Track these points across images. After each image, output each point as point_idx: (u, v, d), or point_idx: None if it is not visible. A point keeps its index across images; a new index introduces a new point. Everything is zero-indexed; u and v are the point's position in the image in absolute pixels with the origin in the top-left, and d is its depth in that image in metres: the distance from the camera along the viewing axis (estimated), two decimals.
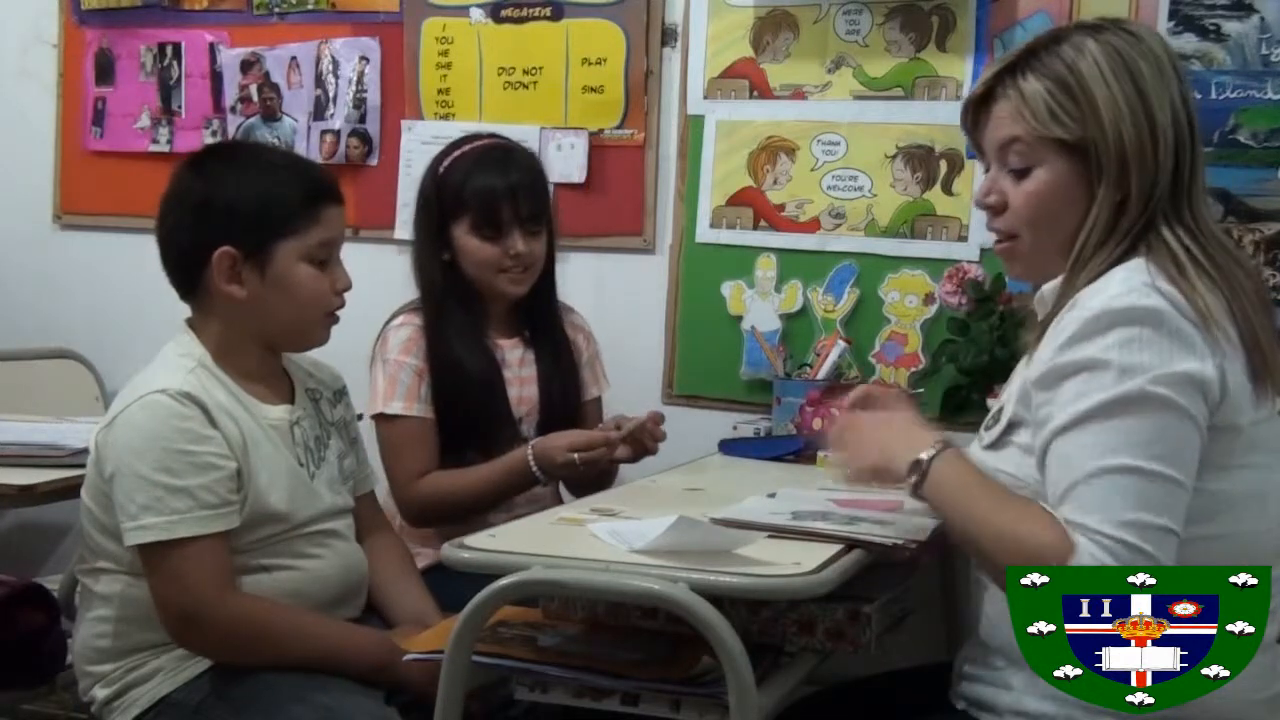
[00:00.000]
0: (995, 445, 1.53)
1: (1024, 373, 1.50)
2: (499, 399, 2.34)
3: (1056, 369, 1.40)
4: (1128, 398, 1.35)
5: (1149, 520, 1.32)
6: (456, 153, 2.38)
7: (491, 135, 2.47)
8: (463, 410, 2.31)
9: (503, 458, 2.25)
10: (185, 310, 1.91)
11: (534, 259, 2.35)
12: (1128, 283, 1.41)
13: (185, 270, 1.86)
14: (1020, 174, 1.53)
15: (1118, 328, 1.37)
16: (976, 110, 1.59)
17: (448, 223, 2.33)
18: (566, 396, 2.42)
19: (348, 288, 1.91)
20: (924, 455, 1.48)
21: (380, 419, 2.30)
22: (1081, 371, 1.38)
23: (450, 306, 2.34)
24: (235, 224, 1.82)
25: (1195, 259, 1.44)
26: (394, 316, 2.38)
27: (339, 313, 1.92)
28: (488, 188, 2.30)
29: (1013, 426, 1.50)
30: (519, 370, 2.39)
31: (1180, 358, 1.36)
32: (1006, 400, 1.54)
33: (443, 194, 2.34)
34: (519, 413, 2.37)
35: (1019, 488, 1.47)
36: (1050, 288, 1.54)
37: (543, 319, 2.43)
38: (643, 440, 2.25)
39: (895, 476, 1.52)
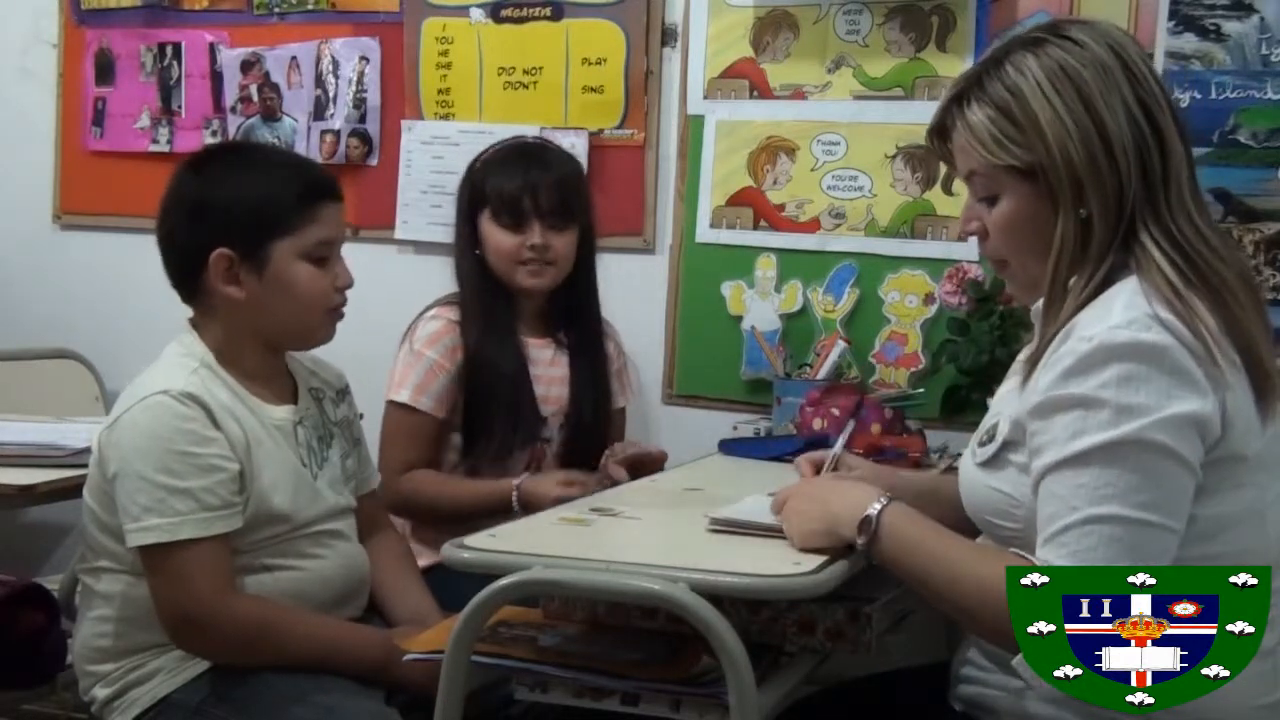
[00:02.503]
0: (991, 463, 1.49)
1: (1018, 392, 1.46)
2: (524, 396, 2.37)
3: (1052, 401, 1.36)
4: (1122, 442, 1.31)
5: None
6: (491, 150, 2.45)
7: (536, 138, 2.58)
8: (489, 404, 2.34)
9: (488, 483, 2.29)
10: (186, 310, 1.91)
11: (555, 255, 2.38)
12: (1129, 312, 1.36)
13: (184, 272, 1.86)
14: (991, 201, 1.50)
15: (1115, 363, 1.33)
16: (940, 141, 1.56)
17: (476, 216, 2.39)
18: (598, 404, 2.45)
19: (349, 285, 1.91)
20: (871, 511, 1.45)
21: (387, 404, 2.35)
22: (1077, 407, 1.34)
23: (483, 300, 2.38)
24: (231, 225, 1.82)
25: (1183, 272, 1.39)
26: (429, 307, 2.42)
27: (343, 310, 1.92)
28: (508, 178, 2.37)
29: (1009, 445, 1.47)
30: (548, 369, 2.42)
31: (1179, 398, 1.32)
32: (999, 417, 1.50)
33: (472, 187, 2.41)
34: (545, 411, 2.39)
35: (1014, 507, 1.45)
36: None
37: (578, 323, 2.46)
38: (642, 467, 2.29)
39: (844, 538, 1.48)
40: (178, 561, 1.72)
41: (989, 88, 1.47)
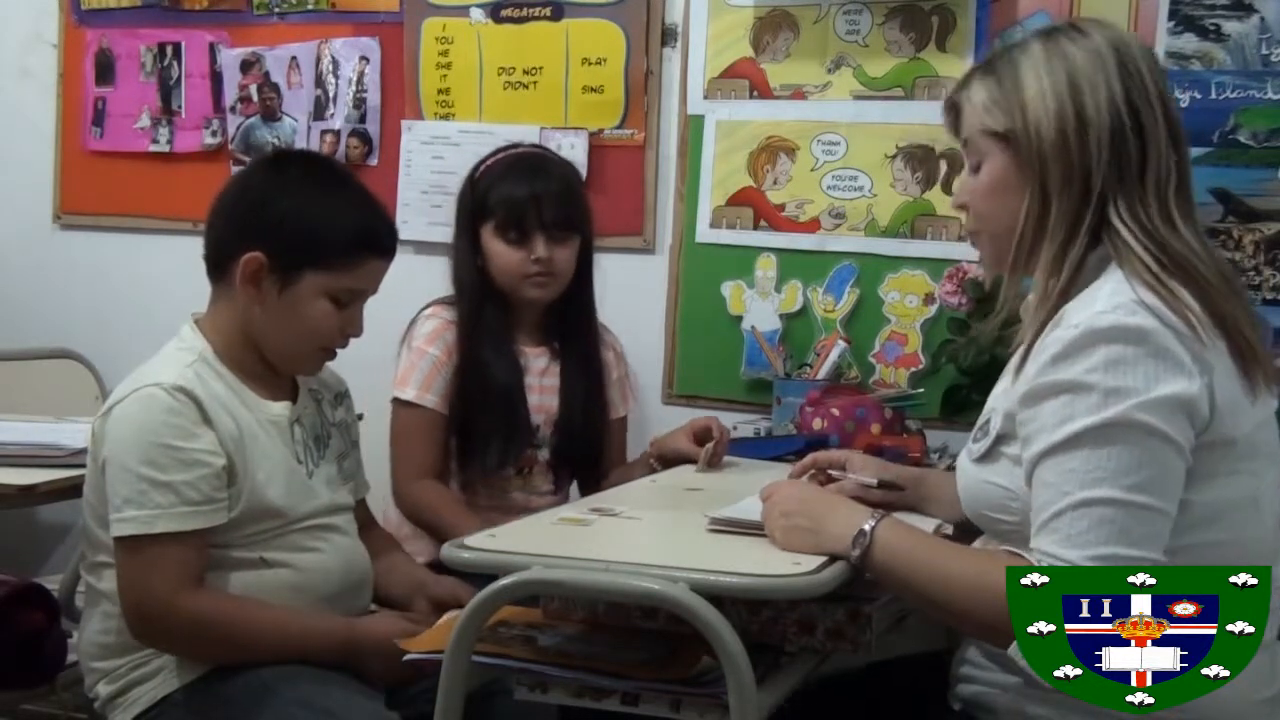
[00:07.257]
0: (985, 458, 1.51)
1: (1009, 386, 1.47)
2: (518, 405, 2.37)
3: (1040, 388, 1.38)
4: (1110, 424, 1.33)
5: (1127, 554, 1.31)
6: (492, 159, 2.43)
7: (534, 145, 2.54)
8: (482, 412, 2.34)
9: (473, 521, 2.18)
10: (187, 310, 1.92)
11: (558, 266, 2.38)
12: (1114, 298, 1.38)
13: (218, 252, 1.88)
14: (976, 170, 1.56)
15: (1102, 347, 1.35)
16: (953, 117, 1.61)
17: (478, 226, 2.38)
18: (588, 413, 2.45)
19: (356, 334, 1.92)
20: (866, 525, 1.45)
21: (394, 402, 2.36)
22: (1064, 393, 1.36)
23: (482, 309, 2.38)
24: (277, 237, 1.83)
25: (1161, 261, 1.41)
26: (427, 306, 2.43)
27: (338, 352, 1.94)
28: (512, 192, 2.35)
29: (1002, 438, 1.48)
30: (541, 379, 2.42)
31: (1166, 379, 1.34)
32: (993, 412, 1.52)
33: (475, 197, 2.40)
34: (536, 420, 2.39)
35: (1011, 500, 1.46)
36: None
37: (574, 332, 2.46)
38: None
39: (835, 554, 1.47)
40: (146, 554, 1.72)
41: (996, 64, 1.54)
